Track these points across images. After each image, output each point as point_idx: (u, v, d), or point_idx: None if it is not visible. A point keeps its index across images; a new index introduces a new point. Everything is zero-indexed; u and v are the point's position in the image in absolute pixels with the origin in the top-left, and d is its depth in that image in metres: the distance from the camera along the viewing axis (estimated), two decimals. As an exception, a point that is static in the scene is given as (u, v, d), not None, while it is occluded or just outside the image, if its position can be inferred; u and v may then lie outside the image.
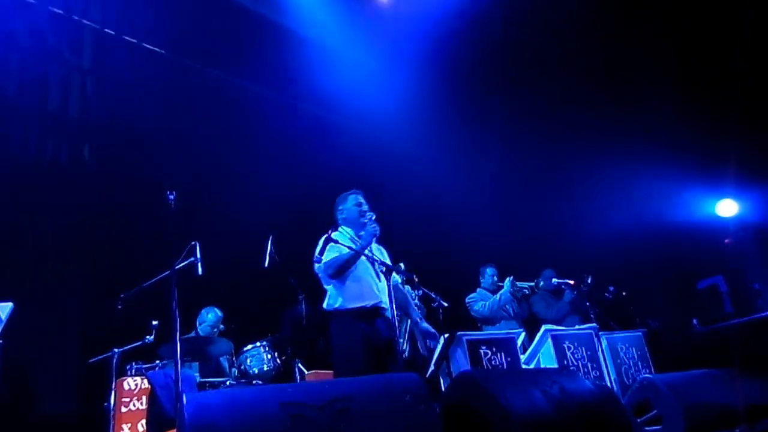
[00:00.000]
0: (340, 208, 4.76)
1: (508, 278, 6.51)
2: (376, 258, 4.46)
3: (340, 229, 4.65)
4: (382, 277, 4.40)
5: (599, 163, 8.30)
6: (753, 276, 7.72)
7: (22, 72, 6.22)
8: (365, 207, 4.63)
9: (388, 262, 4.64)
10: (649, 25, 8.09)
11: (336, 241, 4.33)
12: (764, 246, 8.10)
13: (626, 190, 8.41)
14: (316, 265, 4.41)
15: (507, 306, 6.52)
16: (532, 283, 6.70)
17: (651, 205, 8.39)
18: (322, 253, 4.30)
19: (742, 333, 5.71)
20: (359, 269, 4.39)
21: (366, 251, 4.39)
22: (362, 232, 4.49)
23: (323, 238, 4.34)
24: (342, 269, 4.33)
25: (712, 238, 8.54)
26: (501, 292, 6.49)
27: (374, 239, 4.45)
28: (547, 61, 8.90)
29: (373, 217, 4.49)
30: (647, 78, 8.34)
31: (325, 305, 4.51)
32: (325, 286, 4.52)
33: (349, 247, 4.32)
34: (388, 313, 4.32)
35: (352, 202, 4.68)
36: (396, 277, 4.62)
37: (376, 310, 4.38)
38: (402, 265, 5.44)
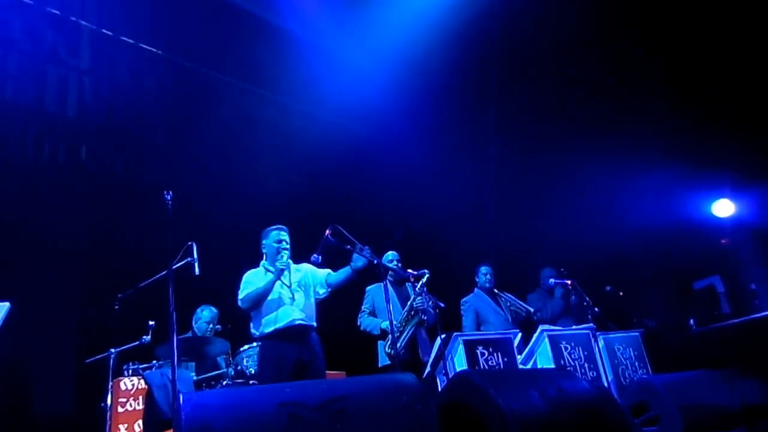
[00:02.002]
0: (263, 242, 5.06)
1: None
2: (291, 283, 4.89)
3: (261, 263, 5.04)
4: (298, 295, 4.88)
5: (596, 164, 8.30)
6: (749, 276, 7.74)
7: (19, 72, 6.21)
8: (284, 245, 4.92)
9: (316, 277, 5.07)
10: (644, 26, 8.11)
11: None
12: (761, 246, 8.11)
13: (623, 191, 8.41)
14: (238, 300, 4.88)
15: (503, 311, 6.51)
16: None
17: (648, 206, 8.38)
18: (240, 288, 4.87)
19: (738, 333, 5.71)
20: (272, 295, 4.79)
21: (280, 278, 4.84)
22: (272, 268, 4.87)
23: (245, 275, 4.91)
24: (255, 305, 4.78)
25: (709, 238, 8.55)
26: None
27: (282, 273, 4.81)
28: (542, 61, 8.90)
29: (285, 257, 4.84)
30: (644, 78, 8.35)
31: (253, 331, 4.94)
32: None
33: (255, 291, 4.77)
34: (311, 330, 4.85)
35: (273, 238, 4.96)
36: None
37: (292, 329, 4.74)
38: (426, 272, 5.62)
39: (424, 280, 5.64)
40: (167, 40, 7.23)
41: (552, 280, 6.68)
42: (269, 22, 8.04)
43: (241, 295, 4.80)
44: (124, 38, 6.94)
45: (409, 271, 5.69)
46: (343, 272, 4.90)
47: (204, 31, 7.50)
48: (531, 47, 8.85)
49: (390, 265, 5.81)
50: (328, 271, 5.06)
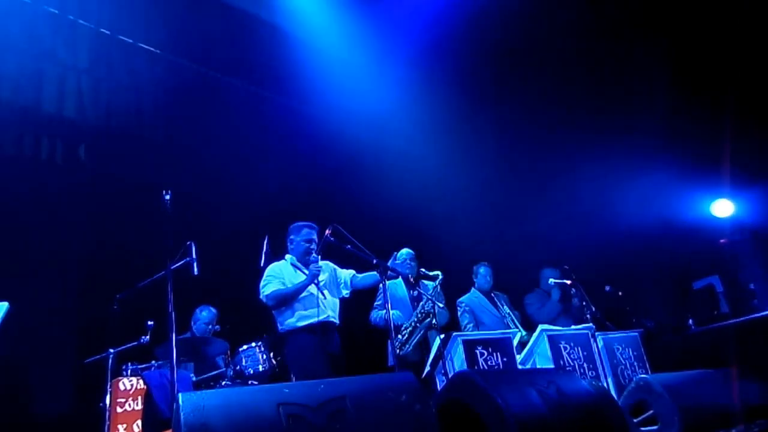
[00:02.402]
0: (291, 237, 5.07)
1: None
2: (319, 281, 4.88)
3: (286, 256, 5.07)
4: (327, 293, 4.92)
5: (594, 164, 8.30)
6: (748, 276, 7.73)
7: (17, 72, 6.20)
8: (314, 246, 4.94)
9: (340, 276, 5.10)
10: (643, 23, 8.11)
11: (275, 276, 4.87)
12: (759, 246, 8.11)
13: (621, 191, 8.40)
14: (260, 294, 4.89)
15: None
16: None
17: (647, 206, 8.38)
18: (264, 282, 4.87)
19: (737, 333, 5.71)
20: (304, 292, 4.82)
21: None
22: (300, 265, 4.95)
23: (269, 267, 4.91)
24: (284, 303, 4.79)
25: (708, 238, 8.55)
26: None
27: (315, 279, 4.81)
28: (540, 60, 8.89)
29: (318, 259, 4.87)
30: (643, 77, 8.34)
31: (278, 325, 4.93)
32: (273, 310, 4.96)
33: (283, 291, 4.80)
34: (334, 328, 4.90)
35: (304, 236, 4.99)
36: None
37: (325, 325, 4.79)
38: (440, 274, 5.70)
39: (438, 282, 5.65)
40: (166, 40, 7.22)
41: (551, 281, 6.63)
42: (269, 21, 8.03)
43: (266, 290, 4.81)
44: (122, 38, 6.92)
45: (423, 270, 5.78)
46: (370, 278, 4.99)
47: (203, 30, 7.49)
48: (529, 47, 8.83)
49: (402, 264, 5.81)
50: (352, 272, 5.11)
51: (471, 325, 6.30)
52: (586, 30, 8.18)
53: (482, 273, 6.58)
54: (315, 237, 4.98)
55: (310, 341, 4.66)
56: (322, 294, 4.86)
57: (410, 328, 5.57)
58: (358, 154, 8.38)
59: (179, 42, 7.31)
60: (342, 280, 5.08)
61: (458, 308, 6.45)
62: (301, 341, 4.69)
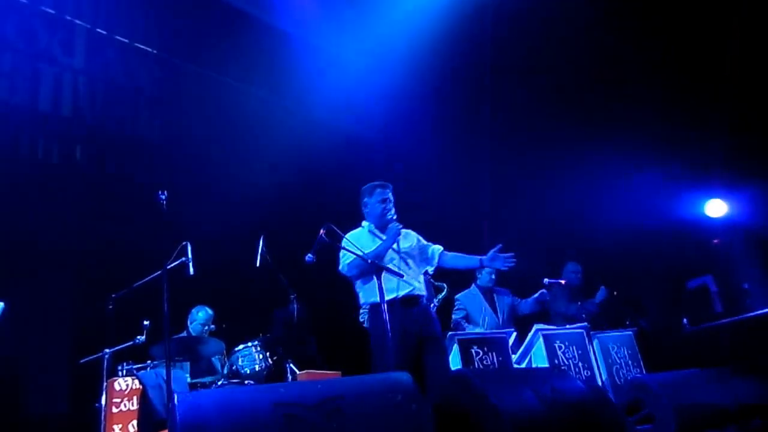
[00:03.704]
0: (365, 200, 4.64)
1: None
2: (400, 249, 4.41)
3: (363, 223, 4.62)
4: (411, 262, 4.42)
5: (588, 164, 8.33)
6: (742, 276, 7.78)
7: (13, 71, 6.19)
8: (390, 205, 4.53)
9: (426, 248, 4.60)
10: (636, 25, 8.13)
11: (348, 250, 4.30)
12: (752, 246, 8.15)
13: (615, 191, 8.43)
14: (339, 266, 4.41)
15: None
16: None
17: (641, 206, 8.42)
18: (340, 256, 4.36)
19: (731, 332, 5.74)
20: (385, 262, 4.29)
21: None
22: (378, 231, 4.48)
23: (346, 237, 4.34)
24: (363, 271, 4.29)
25: (702, 238, 8.59)
26: None
27: (397, 236, 4.37)
28: (535, 60, 8.92)
29: (395, 216, 4.46)
30: (636, 78, 8.37)
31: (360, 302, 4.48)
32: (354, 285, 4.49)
33: (362, 255, 4.23)
34: (424, 300, 4.36)
35: (378, 196, 4.55)
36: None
37: (412, 299, 4.31)
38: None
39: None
40: (162, 40, 7.22)
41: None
42: (264, 21, 8.04)
43: (345, 260, 4.34)
44: (118, 37, 6.92)
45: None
46: (465, 261, 4.57)
47: (198, 30, 7.50)
48: (524, 46, 8.86)
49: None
50: (440, 248, 4.64)
51: (463, 321, 6.23)
52: (581, 31, 8.21)
53: (488, 271, 6.38)
54: (390, 195, 4.56)
55: (391, 317, 4.08)
56: (406, 264, 4.39)
57: None
58: (354, 153, 8.39)
59: (175, 42, 7.32)
60: (429, 253, 4.59)
61: (455, 303, 6.35)
62: (382, 317, 4.07)
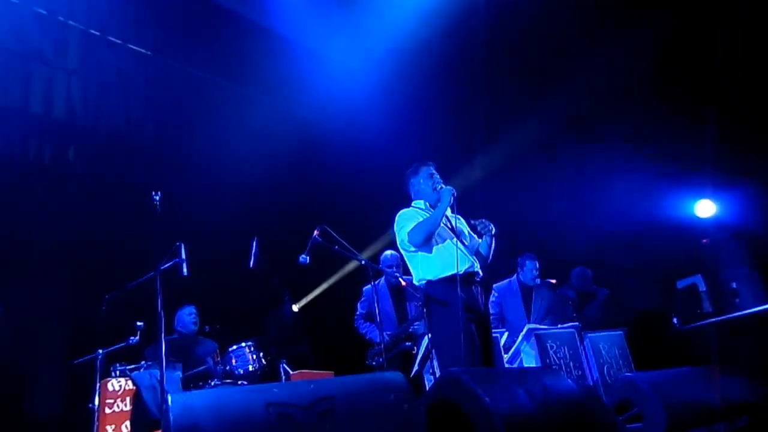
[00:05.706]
0: (411, 181, 4.58)
1: None
2: (454, 226, 4.35)
3: (413, 204, 4.54)
4: (464, 239, 4.36)
5: (579, 164, 8.36)
6: (730, 275, 7.83)
7: (5, 72, 6.18)
8: (437, 177, 4.47)
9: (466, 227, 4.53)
10: (629, 26, 8.17)
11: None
12: (741, 246, 8.21)
13: (605, 191, 8.47)
14: (399, 241, 4.32)
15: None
16: None
17: (630, 206, 8.46)
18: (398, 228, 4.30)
19: (720, 331, 5.79)
20: (443, 240, 4.24)
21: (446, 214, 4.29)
22: (436, 201, 4.36)
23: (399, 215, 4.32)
24: (428, 236, 4.18)
25: (691, 238, 8.64)
26: None
27: (453, 199, 4.25)
28: (529, 61, 8.95)
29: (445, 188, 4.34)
30: (627, 78, 8.41)
31: (416, 280, 4.34)
32: (411, 262, 4.36)
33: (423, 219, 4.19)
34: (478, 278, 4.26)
35: (424, 174, 4.50)
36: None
37: (471, 275, 4.23)
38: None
39: None
40: (155, 41, 7.22)
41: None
42: (257, 23, 8.03)
43: (407, 228, 4.21)
44: (111, 38, 6.92)
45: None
46: (484, 246, 4.44)
47: (192, 31, 7.50)
48: (517, 47, 8.88)
49: (388, 270, 5.63)
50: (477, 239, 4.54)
51: (495, 318, 5.97)
52: (574, 32, 8.24)
53: (528, 267, 6.21)
54: (434, 171, 4.51)
55: (450, 296, 3.99)
56: (462, 242, 4.29)
57: (390, 346, 5.46)
58: (347, 155, 8.40)
59: (168, 43, 7.32)
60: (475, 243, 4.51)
61: (492, 295, 6.17)
62: (449, 292, 4.00)
